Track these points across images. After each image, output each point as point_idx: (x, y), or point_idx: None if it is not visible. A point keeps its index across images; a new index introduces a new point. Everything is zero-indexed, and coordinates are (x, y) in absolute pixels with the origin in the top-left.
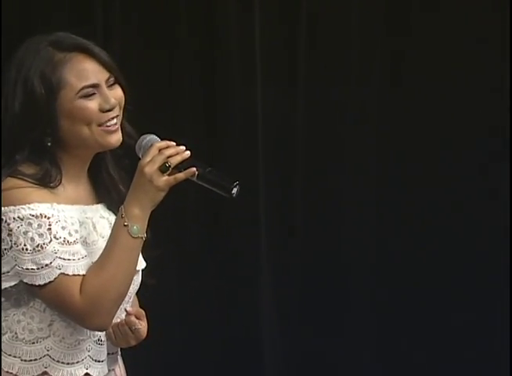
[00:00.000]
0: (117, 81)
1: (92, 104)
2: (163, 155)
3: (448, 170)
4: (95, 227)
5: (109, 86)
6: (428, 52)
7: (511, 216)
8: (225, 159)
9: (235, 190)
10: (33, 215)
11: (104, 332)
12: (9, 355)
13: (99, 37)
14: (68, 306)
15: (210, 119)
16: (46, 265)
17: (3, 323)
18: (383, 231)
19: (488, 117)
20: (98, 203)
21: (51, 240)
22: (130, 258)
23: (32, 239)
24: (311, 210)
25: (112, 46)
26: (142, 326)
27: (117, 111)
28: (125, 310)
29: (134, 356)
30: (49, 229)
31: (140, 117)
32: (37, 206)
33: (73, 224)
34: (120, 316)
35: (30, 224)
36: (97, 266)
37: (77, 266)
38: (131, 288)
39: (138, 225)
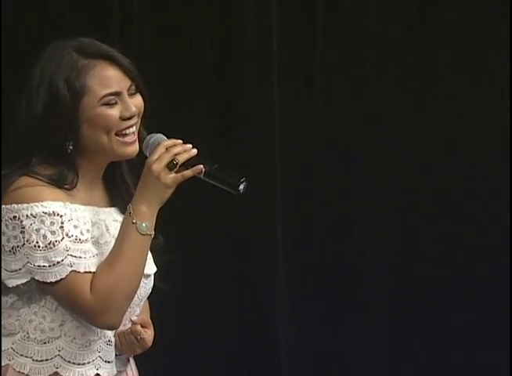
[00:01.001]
0: (138, 90)
1: (113, 112)
2: (170, 153)
3: (466, 171)
4: (107, 229)
5: (131, 94)
6: (444, 51)
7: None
8: (241, 159)
9: (242, 187)
10: (45, 213)
11: (113, 332)
12: (21, 355)
13: (115, 37)
14: (79, 304)
15: (225, 119)
16: (58, 262)
17: (16, 323)
18: (398, 232)
19: (503, 117)
20: (111, 206)
21: (63, 238)
22: (139, 255)
23: (44, 236)
24: (328, 210)
25: (128, 46)
26: (148, 334)
27: (135, 119)
28: (130, 320)
29: (147, 357)
30: (62, 226)
31: (155, 118)
32: (50, 204)
33: (85, 223)
34: (126, 325)
35: (42, 221)
36: (107, 264)
37: (89, 264)
38: (142, 292)
39: (147, 223)
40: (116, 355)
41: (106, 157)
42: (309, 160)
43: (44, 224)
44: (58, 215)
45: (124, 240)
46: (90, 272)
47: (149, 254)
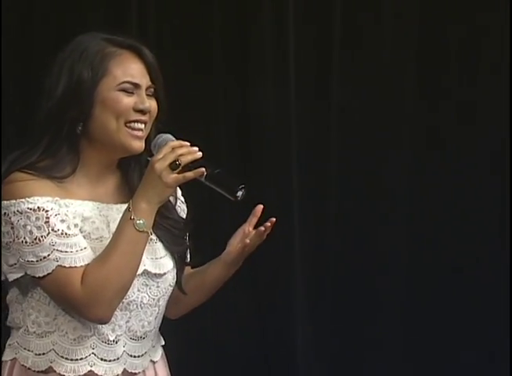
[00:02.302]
0: (155, 95)
1: (127, 100)
2: (175, 153)
3: (484, 176)
4: (108, 225)
5: (148, 95)
6: (462, 52)
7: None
8: (257, 170)
9: (240, 193)
10: (31, 209)
11: (114, 334)
12: (24, 348)
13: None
14: (68, 297)
15: (242, 130)
16: (44, 257)
17: (20, 317)
18: (412, 233)
19: None
20: (122, 203)
21: (49, 233)
22: (134, 251)
23: (31, 232)
24: (345, 213)
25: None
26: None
27: (147, 118)
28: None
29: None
30: (47, 222)
31: (169, 121)
32: (37, 199)
33: (74, 218)
34: (145, 327)
35: (28, 217)
36: (100, 257)
37: (75, 258)
38: (155, 292)
39: (144, 220)
40: (132, 356)
41: (113, 148)
42: (327, 169)
43: (29, 220)
44: (43, 210)
45: (120, 235)
46: (76, 266)
47: (163, 253)
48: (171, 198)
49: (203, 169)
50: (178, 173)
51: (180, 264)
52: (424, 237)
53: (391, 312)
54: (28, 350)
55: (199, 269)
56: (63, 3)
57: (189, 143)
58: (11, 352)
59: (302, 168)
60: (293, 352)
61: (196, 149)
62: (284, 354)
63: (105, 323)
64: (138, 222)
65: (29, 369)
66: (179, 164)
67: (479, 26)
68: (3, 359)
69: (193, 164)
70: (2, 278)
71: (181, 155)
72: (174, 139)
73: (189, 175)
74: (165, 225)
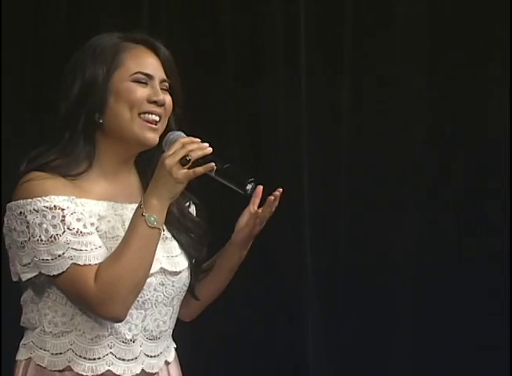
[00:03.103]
0: (170, 90)
1: (141, 91)
2: (185, 149)
3: (499, 174)
4: (123, 224)
5: (162, 89)
6: (472, 52)
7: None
8: (269, 171)
9: (249, 187)
10: (47, 207)
11: (131, 333)
12: (40, 348)
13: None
14: (82, 295)
15: (254, 136)
16: (59, 255)
17: (36, 317)
18: (426, 235)
19: None
20: (137, 202)
21: (64, 231)
22: (146, 248)
23: (46, 230)
24: (356, 218)
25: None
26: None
27: (162, 111)
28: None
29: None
30: (63, 220)
31: (186, 119)
32: (53, 198)
33: (90, 217)
34: (160, 326)
35: (44, 216)
36: (113, 255)
37: (90, 256)
38: (170, 291)
39: (156, 216)
40: (149, 356)
41: (127, 140)
42: (338, 171)
43: (45, 218)
44: (59, 208)
45: (132, 232)
46: (90, 264)
47: (178, 251)
48: (191, 209)
49: (213, 164)
50: (189, 168)
51: (195, 270)
52: (438, 236)
53: (403, 314)
54: (44, 350)
55: (208, 263)
56: (75, 6)
57: (199, 140)
58: (26, 352)
59: (313, 168)
60: (303, 358)
61: (207, 145)
62: (295, 359)
63: (120, 322)
64: (149, 218)
65: (45, 368)
66: (189, 160)
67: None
68: (17, 358)
69: (203, 160)
70: (15, 279)
71: (191, 151)
72: (185, 135)
73: (199, 170)
74: (183, 228)
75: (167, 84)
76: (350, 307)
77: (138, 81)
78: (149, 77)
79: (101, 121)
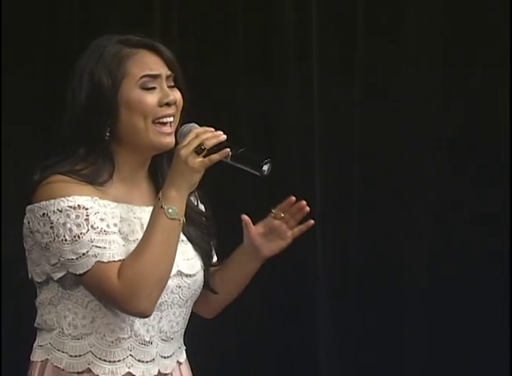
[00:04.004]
0: (176, 85)
1: (151, 97)
2: (199, 138)
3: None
4: (142, 227)
5: (170, 86)
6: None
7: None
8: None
9: (266, 167)
10: (71, 207)
11: (149, 334)
12: (58, 350)
13: (156, 37)
14: (107, 292)
15: (266, 136)
16: (83, 254)
17: (54, 318)
18: (438, 237)
19: None
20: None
21: (88, 230)
22: (167, 241)
23: (70, 229)
24: (368, 217)
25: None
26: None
27: (174, 110)
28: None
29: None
30: (87, 219)
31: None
32: (76, 198)
33: (113, 218)
34: (173, 327)
35: (68, 215)
36: (135, 251)
37: (113, 253)
38: (185, 293)
39: (175, 207)
40: (163, 357)
41: (144, 148)
42: (350, 175)
43: (69, 218)
44: (83, 207)
45: (153, 225)
46: (114, 261)
47: (193, 254)
48: (192, 198)
49: (228, 150)
50: (204, 157)
51: (207, 264)
52: (450, 242)
53: (415, 318)
54: (62, 352)
55: (224, 262)
56: (86, 3)
57: (212, 129)
58: (42, 353)
59: (325, 168)
60: (316, 361)
61: (221, 132)
62: (307, 360)
63: (147, 317)
64: (169, 210)
65: (63, 370)
66: (204, 148)
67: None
68: (33, 359)
69: (218, 147)
70: (39, 280)
71: (205, 139)
72: (198, 126)
73: (215, 157)
74: (190, 221)
75: (172, 78)
76: (361, 307)
77: (145, 88)
78: (156, 77)
79: (115, 135)
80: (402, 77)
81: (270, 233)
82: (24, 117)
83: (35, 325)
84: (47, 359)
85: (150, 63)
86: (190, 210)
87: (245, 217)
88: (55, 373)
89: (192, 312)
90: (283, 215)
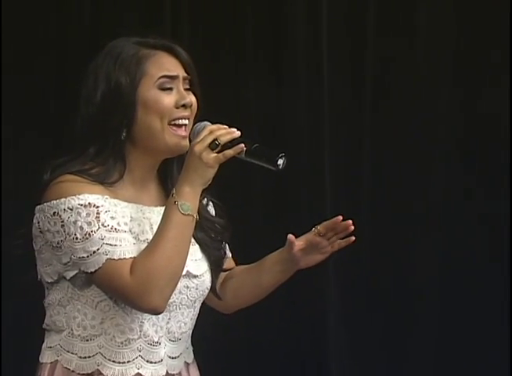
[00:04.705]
0: (192, 88)
1: (168, 98)
2: (213, 134)
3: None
4: (151, 227)
5: (185, 89)
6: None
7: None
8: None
9: (280, 162)
10: (81, 205)
11: (157, 335)
12: (67, 351)
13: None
14: (119, 289)
15: (277, 136)
16: (94, 252)
17: (63, 319)
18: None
19: None
20: (163, 205)
21: (98, 228)
22: (181, 236)
23: (81, 228)
24: (379, 222)
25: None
26: None
27: (189, 112)
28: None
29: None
30: (97, 217)
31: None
32: (87, 196)
33: (123, 217)
34: (181, 328)
35: (79, 213)
36: (148, 247)
37: (124, 251)
38: (193, 293)
39: (188, 203)
40: (171, 357)
41: (158, 149)
42: (361, 176)
43: (80, 216)
44: (94, 206)
45: (166, 221)
46: (125, 258)
47: (200, 255)
48: (208, 207)
49: (243, 145)
50: (218, 152)
51: (215, 269)
52: (462, 246)
53: (424, 314)
54: (72, 353)
55: (248, 268)
56: (97, 4)
57: (226, 126)
58: (52, 355)
59: (335, 171)
60: (326, 360)
61: (234, 129)
62: (318, 359)
63: (159, 313)
64: (182, 205)
65: (73, 372)
66: (219, 144)
67: None
68: (42, 361)
69: (232, 143)
70: (50, 280)
71: (219, 136)
72: (211, 124)
73: (229, 152)
74: (203, 226)
75: (188, 81)
76: (372, 307)
77: (163, 88)
78: (173, 78)
79: (129, 135)
80: (412, 78)
81: (309, 247)
82: (34, 118)
83: (44, 326)
84: (57, 360)
85: (168, 64)
86: (203, 218)
87: (291, 237)
88: (64, 374)
89: (199, 314)
90: (325, 231)
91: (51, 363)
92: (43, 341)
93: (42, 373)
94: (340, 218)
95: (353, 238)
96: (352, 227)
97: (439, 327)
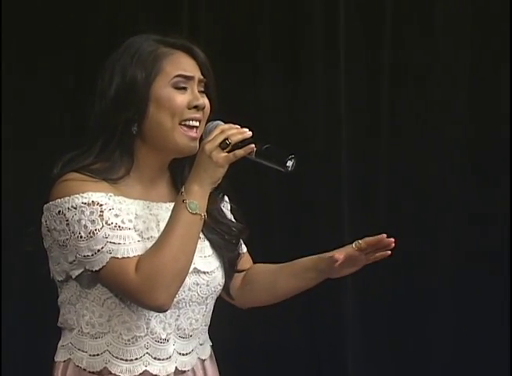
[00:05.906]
0: (206, 91)
1: (181, 97)
2: (224, 134)
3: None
4: (158, 224)
5: (200, 92)
6: None
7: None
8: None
9: (290, 163)
10: (85, 203)
11: (165, 332)
12: (78, 349)
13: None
14: (124, 287)
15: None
16: (98, 250)
17: (74, 318)
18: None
19: None
20: (172, 201)
21: (102, 226)
22: (188, 235)
23: (85, 226)
24: (394, 220)
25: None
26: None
27: (201, 115)
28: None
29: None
30: (101, 215)
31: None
32: (91, 195)
33: (128, 214)
34: (193, 324)
35: (82, 212)
36: (155, 245)
37: (128, 249)
38: (204, 290)
39: (197, 202)
40: (181, 354)
41: (167, 148)
42: (377, 175)
43: (84, 214)
44: (97, 204)
45: (174, 219)
46: (129, 257)
47: (210, 252)
48: (224, 202)
49: (253, 145)
50: (229, 152)
51: (229, 270)
52: (474, 248)
53: (441, 323)
54: (82, 351)
55: (273, 270)
56: (114, 3)
57: (238, 126)
58: (65, 353)
59: (351, 178)
60: (343, 363)
61: (246, 129)
62: (335, 366)
63: (165, 311)
64: (191, 204)
65: (84, 370)
66: (229, 143)
67: None
68: (56, 360)
69: (242, 143)
70: (60, 278)
71: (230, 135)
72: (223, 123)
73: (240, 152)
74: (217, 230)
75: (203, 84)
76: (388, 310)
77: (177, 87)
78: (188, 78)
79: (140, 131)
80: (429, 78)
81: (348, 261)
82: (51, 117)
83: (58, 324)
84: (69, 358)
85: (185, 65)
86: (217, 220)
87: (339, 257)
88: (76, 373)
89: (214, 310)
90: (367, 247)
91: (64, 361)
92: (59, 340)
93: (56, 372)
94: (385, 235)
95: (389, 252)
96: (393, 244)
97: (453, 330)
